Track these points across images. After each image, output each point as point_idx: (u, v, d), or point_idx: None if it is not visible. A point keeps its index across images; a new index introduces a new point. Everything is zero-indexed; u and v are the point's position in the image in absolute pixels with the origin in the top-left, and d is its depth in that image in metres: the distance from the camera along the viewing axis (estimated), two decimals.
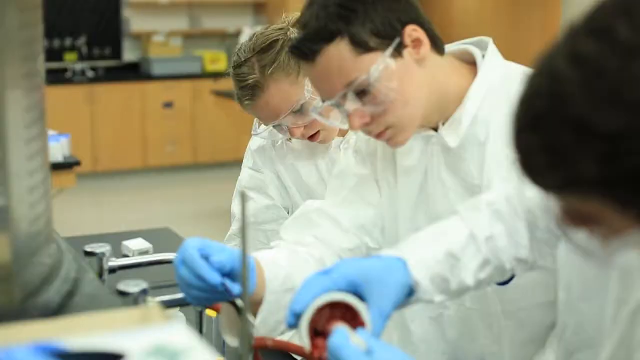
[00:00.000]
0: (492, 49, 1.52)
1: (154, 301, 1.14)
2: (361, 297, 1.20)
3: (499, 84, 1.47)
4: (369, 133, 1.47)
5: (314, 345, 1.17)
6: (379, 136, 1.46)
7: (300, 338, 1.17)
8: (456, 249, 1.26)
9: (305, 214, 1.60)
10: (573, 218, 0.82)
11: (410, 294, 1.23)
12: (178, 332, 0.76)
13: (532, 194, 1.25)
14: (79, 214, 6.32)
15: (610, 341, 1.03)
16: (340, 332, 1.08)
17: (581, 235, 0.83)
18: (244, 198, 0.88)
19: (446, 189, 1.50)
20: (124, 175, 7.81)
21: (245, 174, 2.07)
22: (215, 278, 1.27)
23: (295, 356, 1.53)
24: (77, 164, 4.21)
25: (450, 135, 1.47)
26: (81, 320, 0.86)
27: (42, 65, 1.04)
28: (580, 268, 1.12)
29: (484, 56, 1.51)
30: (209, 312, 1.65)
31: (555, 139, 0.77)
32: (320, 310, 1.18)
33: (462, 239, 1.28)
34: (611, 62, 0.74)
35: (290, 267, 1.42)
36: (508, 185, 1.33)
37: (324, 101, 1.45)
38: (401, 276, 1.22)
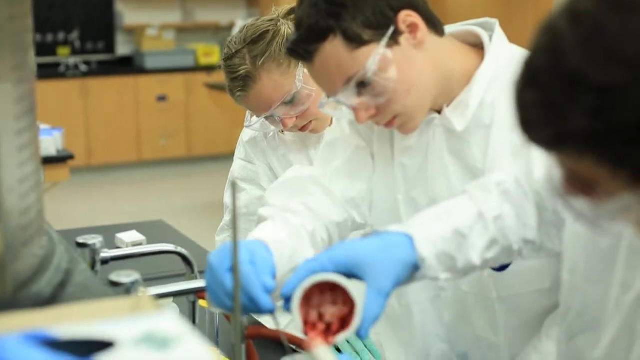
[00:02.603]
0: (499, 31, 1.50)
1: (144, 291, 1.14)
2: (359, 279, 1.20)
3: (505, 67, 1.45)
4: (377, 123, 1.47)
5: (307, 328, 1.17)
6: (388, 125, 1.45)
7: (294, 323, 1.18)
8: (464, 227, 1.27)
9: (296, 179, 1.58)
10: (572, 184, 0.83)
11: (414, 270, 1.23)
12: (168, 320, 0.76)
13: (540, 176, 1.26)
14: (73, 207, 6.32)
15: (612, 326, 1.04)
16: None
17: (581, 203, 0.84)
18: (234, 188, 0.88)
19: (447, 171, 1.49)
20: (118, 168, 7.80)
21: (237, 165, 2.07)
22: (269, 304, 1.22)
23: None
24: (71, 157, 4.20)
25: (456, 117, 1.46)
26: (72, 310, 0.86)
27: (32, 57, 1.04)
28: (586, 250, 1.12)
29: (490, 38, 1.49)
30: (202, 303, 1.66)
31: (551, 93, 0.79)
32: (312, 293, 1.18)
33: (470, 217, 1.28)
34: (609, 19, 0.76)
35: (292, 245, 1.40)
36: (516, 167, 1.33)
37: (328, 97, 1.45)
38: (404, 253, 1.22)
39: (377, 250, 1.21)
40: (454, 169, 1.49)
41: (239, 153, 2.08)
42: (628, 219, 0.82)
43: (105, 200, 6.80)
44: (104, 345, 0.71)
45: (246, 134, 2.08)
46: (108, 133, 7.77)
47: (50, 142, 4.11)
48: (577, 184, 0.83)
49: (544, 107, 0.80)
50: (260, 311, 1.22)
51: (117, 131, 7.82)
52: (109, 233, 2.38)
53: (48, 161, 4.03)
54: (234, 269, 0.84)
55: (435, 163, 1.51)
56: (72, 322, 0.78)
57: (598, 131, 0.76)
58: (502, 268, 1.47)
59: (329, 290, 1.19)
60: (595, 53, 0.76)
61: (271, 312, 1.21)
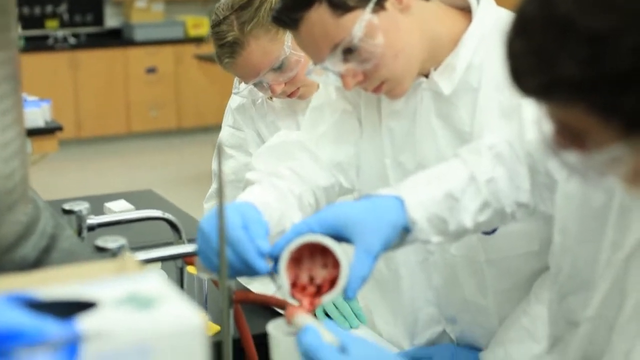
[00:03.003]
0: None
1: (129, 254, 1.13)
2: (348, 241, 1.19)
3: (493, 29, 1.44)
4: (365, 89, 1.46)
5: (295, 290, 1.16)
6: (375, 90, 1.44)
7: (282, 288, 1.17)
8: (455, 190, 1.26)
9: (282, 144, 1.57)
10: (562, 136, 0.82)
11: (405, 233, 1.23)
12: (153, 281, 0.75)
13: (532, 137, 1.25)
14: (62, 180, 6.30)
15: (602, 285, 1.03)
16: (311, 331, 1.05)
17: (572, 156, 0.84)
18: (220, 151, 0.87)
19: (435, 134, 1.49)
20: (107, 141, 7.77)
21: (225, 132, 2.06)
22: (263, 266, 1.21)
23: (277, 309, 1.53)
24: (59, 128, 4.18)
25: (443, 81, 1.45)
26: (56, 273, 0.85)
27: (14, 21, 1.02)
28: (577, 210, 1.12)
29: (478, 1, 1.48)
30: (190, 270, 1.65)
31: (541, 41, 0.78)
32: (302, 256, 1.17)
33: (462, 180, 1.27)
34: None
35: (280, 208, 1.39)
36: (508, 130, 1.32)
37: (315, 64, 1.44)
38: (394, 215, 1.21)
39: (366, 212, 1.20)
40: (442, 133, 1.48)
41: (227, 120, 2.07)
42: (618, 173, 0.82)
43: (95, 173, 6.78)
44: (86, 306, 0.70)
45: (234, 101, 2.06)
46: (97, 105, 7.73)
47: (38, 114, 4.08)
48: (567, 135, 0.82)
49: (534, 56, 0.79)
50: (256, 274, 1.21)
51: (107, 103, 7.78)
52: (98, 203, 2.37)
53: (36, 133, 4.00)
54: (220, 233, 0.83)
55: (423, 127, 1.50)
56: (55, 284, 0.77)
57: (588, 79, 0.75)
58: (491, 231, 1.46)
59: (319, 254, 1.19)
60: (586, 0, 0.75)
61: (270, 274, 1.20)
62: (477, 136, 1.43)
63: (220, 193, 0.89)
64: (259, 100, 2.02)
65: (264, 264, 1.20)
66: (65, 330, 0.65)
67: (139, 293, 0.72)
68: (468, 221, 1.27)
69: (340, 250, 1.16)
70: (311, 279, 1.18)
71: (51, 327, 0.65)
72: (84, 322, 0.66)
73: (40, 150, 4.11)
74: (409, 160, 1.52)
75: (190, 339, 0.66)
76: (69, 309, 0.71)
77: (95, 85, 7.73)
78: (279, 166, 1.50)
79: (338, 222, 1.19)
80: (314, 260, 1.19)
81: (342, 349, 1.04)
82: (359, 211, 1.20)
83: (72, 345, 0.65)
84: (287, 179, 1.47)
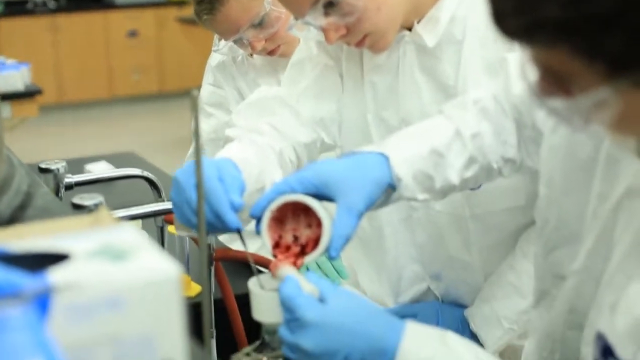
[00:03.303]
0: None
1: (105, 209, 1.10)
2: (331, 200, 1.17)
3: None
4: (347, 44, 1.43)
5: (277, 250, 1.15)
6: (358, 45, 1.41)
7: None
8: (441, 146, 1.24)
9: (262, 100, 1.54)
10: (547, 81, 0.80)
11: (390, 191, 1.20)
12: (127, 233, 0.73)
13: (519, 91, 1.23)
14: (44, 144, 6.25)
15: (589, 237, 1.02)
16: (290, 280, 1.04)
17: (557, 103, 0.82)
18: (194, 100, 0.85)
19: (419, 88, 1.46)
20: (89, 105, 7.71)
21: (206, 91, 2.03)
22: (235, 222, 1.18)
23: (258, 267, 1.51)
24: (39, 92, 4.13)
25: (427, 33, 1.42)
26: (29, 228, 0.83)
27: None
28: (564, 161, 1.10)
29: None
30: (171, 230, 1.63)
31: None
32: (285, 216, 1.16)
33: (448, 136, 1.25)
34: None
35: (259, 164, 1.36)
36: (493, 84, 1.30)
37: (296, 19, 1.40)
38: (378, 172, 1.18)
39: (349, 170, 1.18)
40: (426, 87, 1.45)
41: (207, 78, 2.05)
42: (603, 119, 0.80)
43: (77, 137, 6.73)
44: (58, 259, 0.69)
45: (214, 59, 2.03)
46: (79, 70, 7.66)
47: (17, 77, 4.03)
48: (552, 80, 0.80)
49: None
50: (227, 229, 1.19)
51: (89, 68, 7.71)
52: (79, 165, 2.35)
53: (15, 97, 3.96)
54: (198, 186, 0.81)
55: (406, 81, 1.47)
56: (28, 238, 0.75)
57: (572, 20, 0.73)
58: (476, 186, 1.45)
59: (302, 213, 1.16)
60: None
61: (238, 230, 1.18)
62: (462, 90, 1.41)
63: (197, 151, 0.87)
64: (239, 58, 1.99)
65: (235, 218, 1.17)
66: (36, 282, 0.63)
67: (112, 245, 0.70)
68: (454, 177, 1.25)
69: (322, 209, 1.14)
70: (295, 239, 1.16)
71: (22, 279, 0.63)
72: (56, 274, 0.64)
73: (20, 114, 4.07)
74: (392, 116, 1.50)
75: (165, 290, 0.64)
76: (40, 262, 0.69)
77: (76, 49, 7.65)
78: (258, 122, 1.47)
79: (320, 180, 1.16)
80: (298, 220, 1.17)
81: (321, 299, 1.02)
82: (341, 169, 1.18)
83: (43, 298, 0.63)
84: (267, 135, 1.45)
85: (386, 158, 1.20)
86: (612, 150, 0.99)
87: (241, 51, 1.93)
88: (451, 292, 1.59)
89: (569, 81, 0.78)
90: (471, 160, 1.26)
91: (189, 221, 1.20)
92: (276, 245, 1.15)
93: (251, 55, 1.96)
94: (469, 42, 1.41)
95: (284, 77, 1.59)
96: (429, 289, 1.62)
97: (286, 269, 1.07)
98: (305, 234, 1.16)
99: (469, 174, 1.26)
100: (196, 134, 0.76)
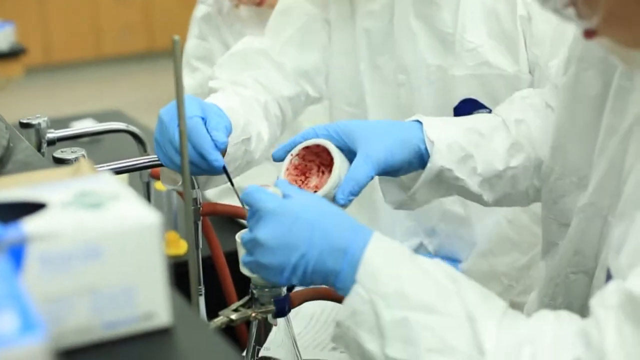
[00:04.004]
0: None
1: (85, 160, 1.08)
2: (353, 151, 1.11)
3: None
4: None
5: None
6: None
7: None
8: (482, 127, 1.17)
9: (245, 52, 1.50)
10: None
11: (420, 160, 1.15)
12: (106, 182, 0.70)
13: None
14: (32, 105, 6.17)
15: (596, 172, 0.99)
16: (254, 186, 0.99)
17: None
18: (175, 45, 0.81)
19: (415, 36, 1.42)
20: (77, 65, 7.63)
21: (191, 44, 2.00)
22: (219, 161, 1.15)
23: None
24: (22, 51, 4.06)
25: None
26: (7, 179, 0.80)
27: None
28: (572, 102, 1.06)
29: None
30: (158, 186, 1.60)
31: None
32: (307, 168, 1.12)
33: (490, 121, 1.19)
34: None
35: (245, 115, 1.33)
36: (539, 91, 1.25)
37: None
38: (407, 132, 1.13)
39: (377, 126, 1.13)
40: (422, 34, 1.42)
41: (193, 31, 2.00)
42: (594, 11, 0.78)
43: (65, 98, 6.67)
44: (34, 208, 0.66)
45: (199, 11, 1.99)
46: (66, 29, 7.57)
47: (1, 37, 3.96)
48: None
49: None
50: (211, 169, 1.15)
51: (75, 26, 7.61)
52: (64, 123, 2.31)
53: (0, 57, 3.89)
54: (180, 133, 0.78)
55: (402, 28, 1.43)
56: (4, 189, 0.72)
57: None
58: None
59: (327, 171, 1.12)
60: None
61: (219, 169, 1.15)
62: (460, 38, 1.37)
63: (178, 97, 0.84)
64: (225, 9, 1.95)
65: (219, 156, 1.15)
66: (10, 232, 0.60)
67: (90, 194, 0.67)
68: (498, 162, 1.17)
69: (339, 153, 1.10)
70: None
71: None
72: (31, 224, 0.61)
73: (5, 75, 4.00)
74: (387, 64, 1.46)
75: (145, 239, 0.62)
76: (15, 212, 0.66)
77: (63, 8, 7.55)
78: (241, 76, 1.44)
79: (345, 130, 1.12)
80: (321, 178, 1.13)
81: (285, 196, 0.96)
82: (369, 124, 1.14)
83: (17, 248, 0.60)
84: (251, 88, 1.42)
85: (420, 123, 1.16)
86: (623, 81, 0.96)
87: (227, 2, 1.88)
88: (445, 248, 1.57)
89: None
90: (516, 146, 1.18)
91: (172, 162, 1.17)
92: None
93: (237, 6, 1.92)
94: None
95: (268, 26, 1.55)
96: (421, 244, 1.60)
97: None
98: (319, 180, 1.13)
99: (514, 162, 1.18)
100: (177, 78, 0.73)
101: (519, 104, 1.23)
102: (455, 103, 1.41)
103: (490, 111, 1.37)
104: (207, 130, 1.15)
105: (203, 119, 1.16)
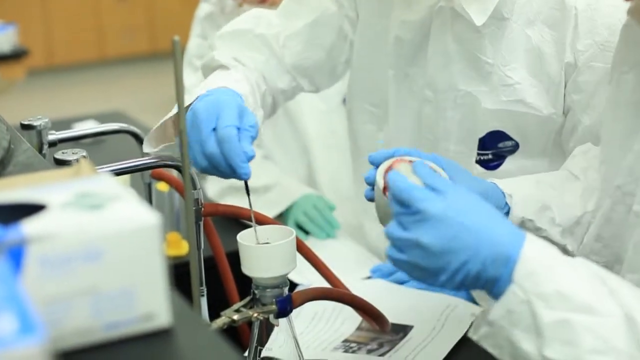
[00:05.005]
0: None
1: (86, 161, 1.07)
2: None
3: None
4: None
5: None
6: None
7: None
8: (552, 181, 1.18)
9: (247, 34, 1.45)
10: None
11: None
12: (105, 183, 0.70)
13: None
14: (34, 108, 6.17)
15: (630, 155, 1.00)
16: (397, 174, 0.96)
17: None
18: (176, 45, 0.81)
19: (449, 58, 1.38)
20: (79, 67, 7.63)
21: (193, 43, 1.99)
22: (246, 173, 1.12)
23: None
24: (24, 52, 4.06)
25: (475, 11, 1.32)
26: (7, 181, 0.80)
27: None
28: (625, 110, 1.07)
29: None
30: (159, 186, 1.60)
31: None
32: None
33: (558, 175, 1.21)
34: None
35: (253, 105, 1.31)
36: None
37: None
38: (483, 185, 1.14)
39: (466, 171, 1.14)
40: (458, 58, 1.38)
41: (195, 30, 2.00)
42: None
43: (67, 100, 6.67)
44: (34, 209, 0.65)
45: (202, 10, 1.99)
46: (68, 31, 7.57)
47: (4, 39, 3.96)
48: None
49: None
50: (232, 177, 1.14)
51: (78, 29, 7.62)
52: (66, 125, 2.31)
53: (2, 59, 3.89)
54: (181, 134, 0.78)
55: (437, 46, 1.39)
56: (4, 191, 0.71)
57: None
58: (494, 165, 1.41)
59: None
60: None
61: (245, 180, 1.13)
62: (498, 72, 1.34)
63: (178, 96, 0.84)
64: (229, 8, 1.94)
65: (249, 171, 1.12)
66: (10, 234, 0.60)
67: (89, 195, 0.67)
68: (574, 209, 1.17)
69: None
70: None
71: None
72: (30, 225, 0.61)
73: (7, 77, 4.00)
74: (417, 75, 1.43)
75: (144, 239, 0.61)
76: (15, 213, 0.66)
77: (65, 10, 7.56)
78: (243, 54, 1.41)
79: (449, 162, 1.11)
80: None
81: (435, 191, 0.93)
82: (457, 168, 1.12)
83: (16, 250, 0.60)
84: (252, 72, 1.40)
85: (495, 183, 1.16)
86: None
87: (230, 1, 1.88)
88: None
89: None
90: (589, 191, 1.18)
91: (196, 162, 1.15)
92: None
93: (241, 5, 1.91)
94: (515, 21, 1.34)
95: (281, 5, 1.51)
96: None
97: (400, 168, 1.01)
98: None
99: (590, 206, 1.18)
100: (177, 78, 0.73)
101: (581, 157, 1.24)
102: (481, 133, 1.39)
103: (517, 144, 1.37)
104: (241, 139, 1.12)
105: (238, 128, 1.13)
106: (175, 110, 1.24)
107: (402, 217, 0.91)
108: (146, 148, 1.26)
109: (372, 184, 1.07)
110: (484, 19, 1.31)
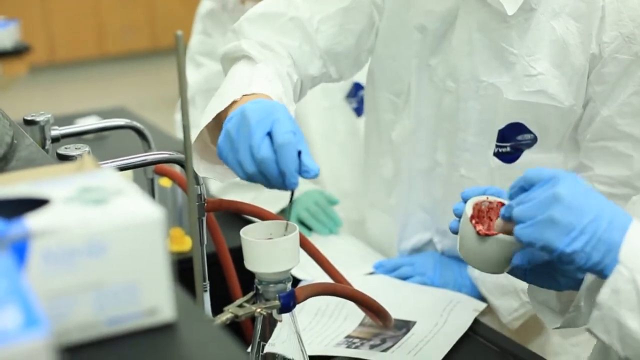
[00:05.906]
0: None
1: (89, 156, 1.07)
2: None
3: None
4: None
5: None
6: None
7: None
8: None
9: (277, 16, 1.39)
10: None
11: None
12: (109, 177, 0.70)
13: None
14: (36, 104, 6.18)
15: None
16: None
17: None
18: (179, 40, 0.81)
19: (472, 49, 1.38)
20: (81, 63, 7.63)
21: (195, 40, 1.99)
22: (296, 182, 1.05)
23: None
24: (26, 49, 4.06)
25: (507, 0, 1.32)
26: (10, 176, 0.80)
27: None
28: None
29: None
30: (162, 182, 1.60)
31: None
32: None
33: None
34: None
35: (285, 100, 1.24)
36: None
37: None
38: None
39: None
40: (481, 48, 1.38)
41: (197, 27, 2.00)
42: None
43: (69, 97, 6.68)
44: (37, 204, 0.65)
45: (204, 7, 1.99)
46: (69, 28, 7.57)
47: (6, 36, 3.96)
48: None
49: None
50: (276, 186, 1.07)
51: (79, 25, 7.61)
52: (69, 121, 2.30)
53: (4, 55, 3.90)
54: (184, 129, 0.77)
55: (462, 37, 1.39)
56: (8, 185, 0.71)
57: None
58: (512, 159, 1.41)
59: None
60: None
61: (292, 190, 1.07)
62: (523, 62, 1.35)
63: (181, 90, 0.83)
64: (231, 5, 1.94)
65: (298, 181, 1.06)
66: (13, 228, 0.60)
67: (93, 189, 0.67)
68: None
69: None
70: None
71: None
72: (34, 220, 0.61)
73: (9, 73, 4.00)
74: (440, 65, 1.43)
75: (148, 234, 0.61)
76: (18, 208, 0.66)
77: (66, 6, 7.55)
78: (272, 39, 1.35)
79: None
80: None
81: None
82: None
83: (20, 244, 0.60)
84: (284, 61, 1.34)
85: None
86: None
87: None
88: (454, 251, 1.56)
89: None
90: None
91: (240, 168, 1.07)
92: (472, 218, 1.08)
93: (243, 2, 1.91)
94: (542, 12, 1.34)
95: None
96: (431, 241, 1.59)
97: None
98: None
99: None
100: (180, 72, 0.72)
101: None
102: (501, 124, 1.40)
103: (535, 138, 1.38)
104: (297, 149, 1.05)
105: (294, 133, 1.05)
106: (209, 113, 1.18)
107: (534, 191, 0.96)
108: (200, 172, 1.20)
109: (459, 215, 1.09)
110: (516, 9, 1.32)
